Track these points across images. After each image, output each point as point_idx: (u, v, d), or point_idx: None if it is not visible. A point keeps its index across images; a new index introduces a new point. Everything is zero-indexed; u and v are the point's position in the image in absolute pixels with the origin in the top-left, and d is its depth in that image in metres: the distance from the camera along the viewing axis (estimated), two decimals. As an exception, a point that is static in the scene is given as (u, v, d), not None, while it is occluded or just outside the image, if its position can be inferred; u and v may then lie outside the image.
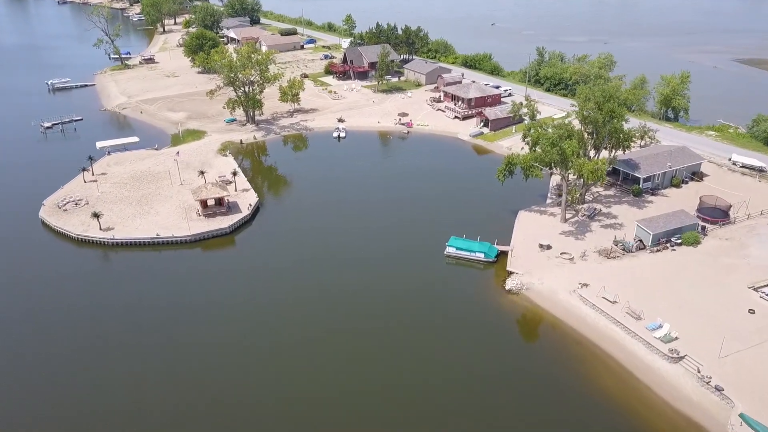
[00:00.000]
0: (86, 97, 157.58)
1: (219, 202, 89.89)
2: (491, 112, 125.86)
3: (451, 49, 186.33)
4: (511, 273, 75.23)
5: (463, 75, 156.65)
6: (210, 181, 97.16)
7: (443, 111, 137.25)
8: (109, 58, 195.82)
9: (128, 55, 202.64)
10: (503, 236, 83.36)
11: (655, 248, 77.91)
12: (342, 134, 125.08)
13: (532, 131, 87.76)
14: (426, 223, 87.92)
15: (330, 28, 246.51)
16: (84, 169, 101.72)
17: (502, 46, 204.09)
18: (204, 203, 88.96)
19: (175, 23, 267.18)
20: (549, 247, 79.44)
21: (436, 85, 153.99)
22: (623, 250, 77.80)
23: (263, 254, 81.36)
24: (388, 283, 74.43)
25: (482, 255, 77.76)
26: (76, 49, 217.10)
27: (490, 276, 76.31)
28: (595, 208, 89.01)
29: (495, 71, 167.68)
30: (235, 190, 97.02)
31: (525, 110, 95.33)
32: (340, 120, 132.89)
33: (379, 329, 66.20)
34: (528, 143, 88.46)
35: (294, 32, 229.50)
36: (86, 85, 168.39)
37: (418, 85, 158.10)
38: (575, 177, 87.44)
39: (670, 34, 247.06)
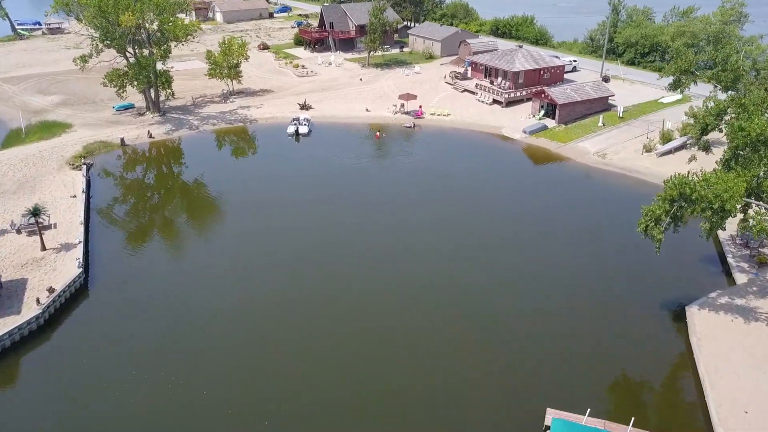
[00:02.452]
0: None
1: (-33, 286, 37.59)
2: (561, 93, 73.21)
3: (473, 14, 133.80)
4: None
5: (496, 44, 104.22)
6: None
7: (473, 92, 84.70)
8: (12, 30, 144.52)
9: (37, 26, 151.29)
10: (672, 393, 31.31)
11: None
12: (303, 128, 72.68)
13: (737, 121, 35.71)
14: (472, 364, 35.36)
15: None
16: None
17: (538, 18, 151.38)
18: (-77, 292, 36.57)
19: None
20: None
21: (457, 56, 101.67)
22: None
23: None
24: None
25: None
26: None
27: None
28: None
29: (541, 40, 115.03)
30: (43, 250, 44.56)
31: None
32: (304, 106, 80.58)
33: None
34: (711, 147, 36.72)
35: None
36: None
37: (430, 57, 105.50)
38: None
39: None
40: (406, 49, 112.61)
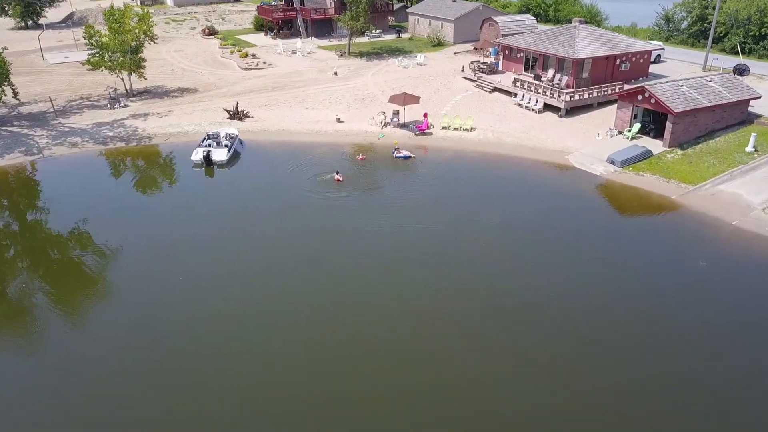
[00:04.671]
0: None
1: None
2: (674, 93, 41.45)
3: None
4: None
5: (534, 22, 72.75)
6: None
7: (508, 92, 53.19)
8: None
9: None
10: None
11: None
12: (219, 153, 41.18)
13: None
14: None
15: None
16: None
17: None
18: None
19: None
20: None
21: (479, 41, 70.53)
22: None
23: None
24: None
25: None
26: None
27: None
28: None
29: (591, 23, 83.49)
30: None
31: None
32: (235, 114, 49.28)
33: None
34: None
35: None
36: None
37: (438, 43, 74.10)
38: None
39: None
40: (404, 35, 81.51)
